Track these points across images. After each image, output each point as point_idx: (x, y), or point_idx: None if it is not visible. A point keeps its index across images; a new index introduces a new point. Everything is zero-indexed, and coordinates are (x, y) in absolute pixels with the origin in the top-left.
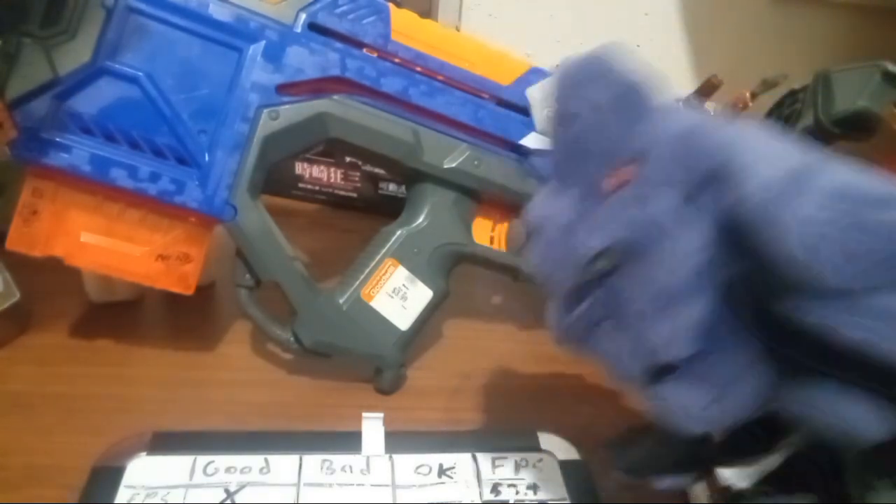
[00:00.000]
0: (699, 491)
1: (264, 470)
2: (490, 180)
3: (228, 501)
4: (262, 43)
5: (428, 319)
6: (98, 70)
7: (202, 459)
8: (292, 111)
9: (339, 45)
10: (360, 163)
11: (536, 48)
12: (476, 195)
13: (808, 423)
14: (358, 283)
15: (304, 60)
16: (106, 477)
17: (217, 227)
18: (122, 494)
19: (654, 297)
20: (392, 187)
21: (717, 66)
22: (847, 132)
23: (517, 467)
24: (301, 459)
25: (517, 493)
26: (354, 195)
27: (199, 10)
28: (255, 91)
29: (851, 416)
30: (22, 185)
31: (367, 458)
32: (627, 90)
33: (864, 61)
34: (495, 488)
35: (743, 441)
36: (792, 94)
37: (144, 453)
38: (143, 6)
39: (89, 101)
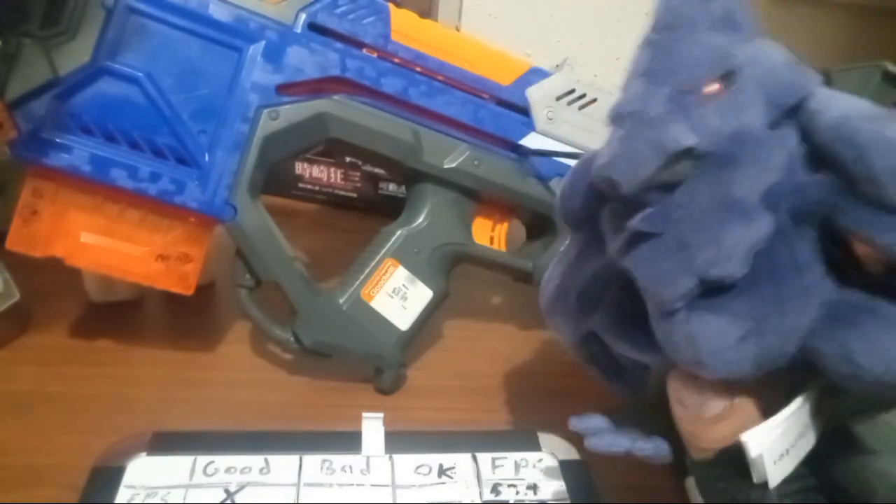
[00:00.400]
0: (698, 490)
1: (264, 470)
2: (490, 180)
3: (228, 501)
4: (262, 43)
5: (428, 319)
6: (98, 70)
7: (202, 459)
8: (292, 111)
9: (339, 45)
10: (360, 163)
11: (536, 48)
12: (476, 195)
13: (841, 365)
14: (358, 283)
15: (304, 60)
16: (106, 477)
17: (217, 227)
18: (122, 494)
19: (724, 207)
20: (392, 187)
21: None
22: None
23: (517, 467)
24: (301, 459)
25: (517, 493)
26: (354, 195)
27: (199, 10)
28: (255, 91)
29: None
30: (22, 185)
31: (367, 458)
32: (741, 8)
33: (864, 61)
34: (495, 488)
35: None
36: None
37: (144, 453)
38: (142, 6)
39: (89, 102)
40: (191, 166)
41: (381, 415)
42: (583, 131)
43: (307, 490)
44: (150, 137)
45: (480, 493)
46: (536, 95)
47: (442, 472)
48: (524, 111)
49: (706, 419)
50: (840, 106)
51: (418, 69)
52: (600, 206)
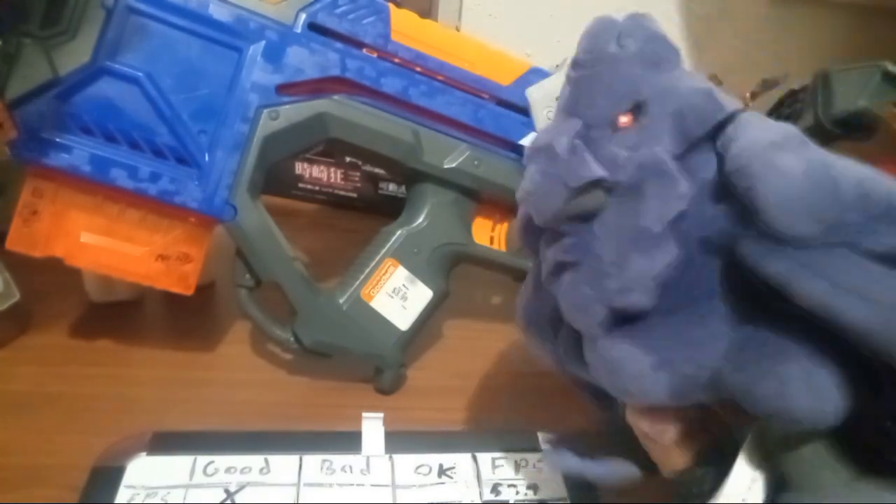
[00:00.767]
0: None
1: (264, 470)
2: (490, 180)
3: (228, 501)
4: (262, 43)
5: (428, 319)
6: (98, 70)
7: (202, 459)
8: (292, 111)
9: (339, 45)
10: (360, 163)
11: (536, 48)
12: (476, 195)
13: (763, 404)
14: (358, 283)
15: (304, 60)
16: (106, 477)
17: (217, 227)
18: (122, 494)
19: (632, 237)
20: (392, 187)
21: (717, 66)
22: (847, 132)
23: (517, 467)
24: (301, 459)
25: (517, 493)
26: (354, 195)
27: (199, 10)
28: (255, 91)
29: (810, 392)
30: (22, 185)
31: (367, 458)
32: (657, 43)
33: (864, 61)
34: (495, 488)
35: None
36: (792, 94)
37: (144, 453)
38: (142, 6)
39: (89, 102)
40: (191, 166)
41: (381, 415)
42: None
43: (307, 490)
44: (150, 137)
45: (480, 493)
46: (536, 95)
47: (442, 472)
48: (524, 111)
49: (665, 445)
50: (750, 134)
51: (418, 69)
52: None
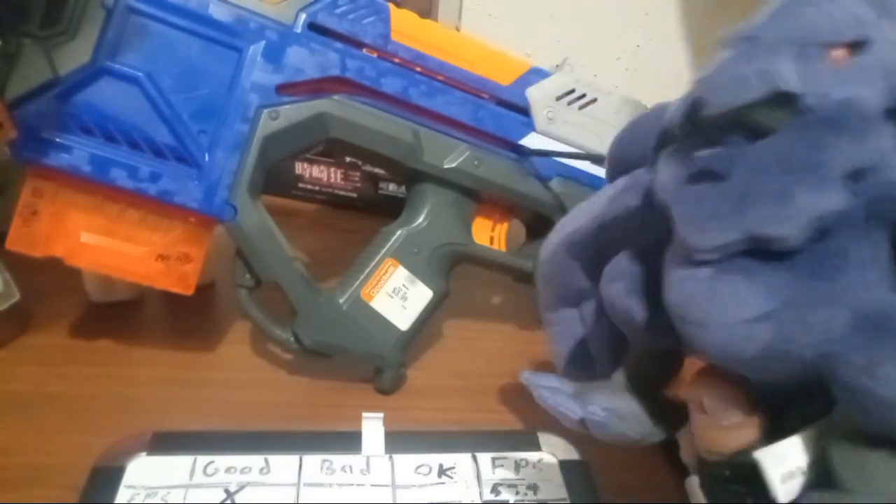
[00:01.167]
0: (698, 490)
1: (264, 470)
2: (490, 180)
3: (228, 501)
4: (262, 43)
5: (428, 319)
6: (98, 70)
7: (202, 459)
8: (292, 111)
9: (339, 45)
10: (360, 163)
11: (536, 48)
12: (476, 195)
13: (859, 377)
14: (358, 283)
15: (304, 60)
16: (106, 477)
17: (217, 227)
18: (122, 494)
19: (806, 168)
20: (392, 187)
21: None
22: None
23: (517, 467)
24: (301, 459)
25: (517, 493)
26: (354, 195)
27: (199, 10)
28: (255, 91)
29: None
30: (22, 185)
31: (367, 458)
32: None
33: None
34: (495, 488)
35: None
36: None
37: (144, 453)
38: (142, 6)
39: (89, 102)
40: (191, 166)
41: (381, 415)
42: (583, 131)
43: (307, 490)
44: (150, 137)
45: (480, 493)
46: (536, 95)
47: (442, 472)
48: (524, 111)
49: (724, 426)
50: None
51: (418, 69)
52: (658, 150)
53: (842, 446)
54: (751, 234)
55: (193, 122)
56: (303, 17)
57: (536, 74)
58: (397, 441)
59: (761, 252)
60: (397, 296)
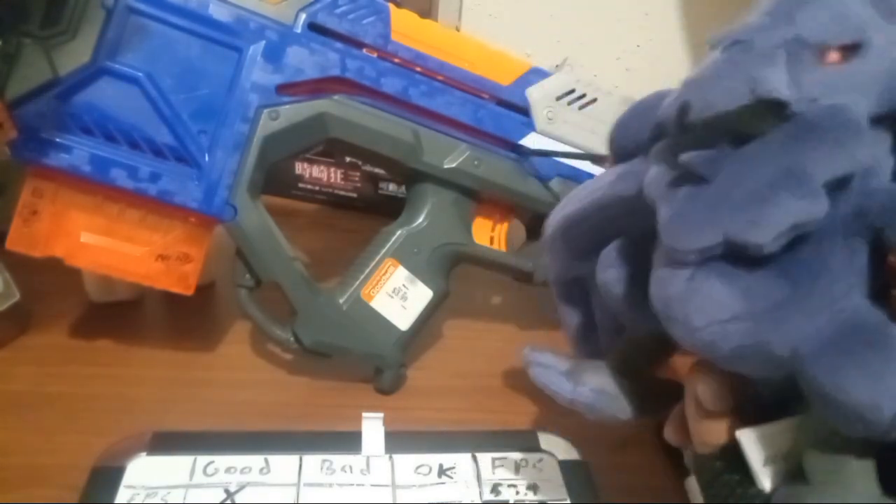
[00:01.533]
0: (698, 490)
1: (264, 470)
2: (490, 180)
3: (228, 501)
4: (262, 43)
5: (428, 319)
6: (98, 70)
7: (202, 459)
8: (292, 111)
9: (339, 45)
10: (360, 163)
11: (536, 48)
12: (476, 195)
13: (828, 382)
14: (358, 283)
15: (304, 60)
16: (106, 477)
17: (217, 227)
18: (122, 494)
19: (787, 175)
20: (392, 187)
21: None
22: None
23: (517, 467)
24: (301, 459)
25: (517, 493)
26: (354, 195)
27: (199, 10)
28: (255, 91)
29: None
30: (22, 185)
31: (367, 458)
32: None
33: None
34: (495, 488)
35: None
36: None
37: (144, 453)
38: (142, 6)
39: (89, 102)
40: (191, 166)
41: (381, 415)
42: (583, 131)
43: (307, 490)
44: (150, 137)
45: (480, 493)
46: (536, 95)
47: (442, 472)
48: (524, 111)
49: (716, 416)
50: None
51: (418, 69)
52: (654, 142)
53: (816, 441)
54: (728, 239)
55: (193, 122)
56: (303, 17)
57: (536, 74)
58: (397, 441)
59: (740, 255)
60: (397, 296)
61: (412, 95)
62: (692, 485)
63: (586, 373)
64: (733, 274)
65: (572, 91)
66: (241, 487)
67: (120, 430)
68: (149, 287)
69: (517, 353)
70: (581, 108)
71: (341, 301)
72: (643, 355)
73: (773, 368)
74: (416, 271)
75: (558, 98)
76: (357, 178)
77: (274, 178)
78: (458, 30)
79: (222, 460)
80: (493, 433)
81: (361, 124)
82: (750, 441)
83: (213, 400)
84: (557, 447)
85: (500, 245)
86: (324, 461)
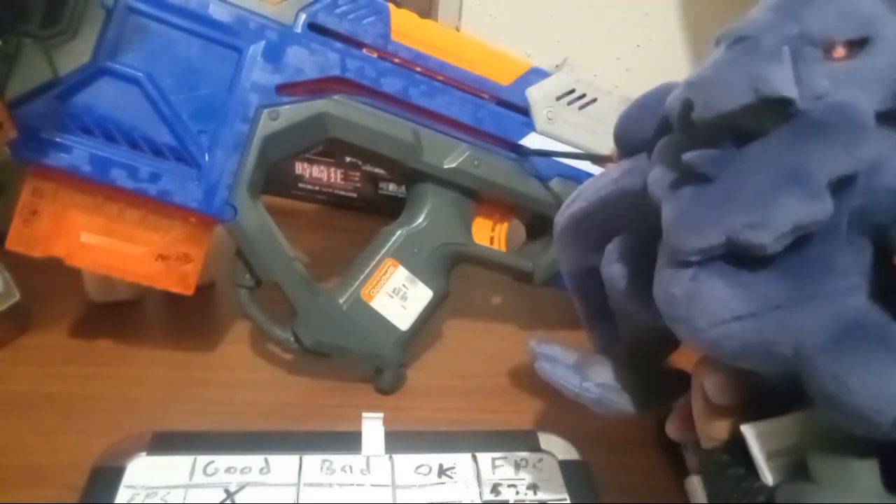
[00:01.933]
0: (699, 489)
1: (264, 470)
2: (490, 180)
3: (228, 501)
4: (262, 43)
5: (428, 319)
6: (98, 70)
7: (202, 459)
8: (292, 111)
9: (339, 45)
10: (360, 163)
11: (536, 48)
12: (476, 195)
13: (830, 382)
14: (358, 283)
15: (304, 60)
16: (106, 477)
17: (217, 227)
18: (122, 494)
19: (791, 175)
20: (392, 187)
21: None
22: None
23: (517, 467)
24: (301, 459)
25: (517, 493)
26: (354, 195)
27: (199, 10)
28: (255, 91)
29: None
30: (22, 185)
31: (367, 458)
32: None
33: None
34: (495, 488)
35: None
36: None
37: (144, 453)
38: (142, 6)
39: (89, 102)
40: (191, 166)
41: (381, 415)
42: (583, 131)
43: (307, 490)
44: (150, 137)
45: (480, 493)
46: (536, 95)
47: (442, 472)
48: (524, 111)
49: (722, 409)
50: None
51: (418, 69)
52: (660, 137)
53: (819, 439)
54: (731, 239)
55: (193, 122)
56: (303, 17)
57: (536, 74)
58: (397, 441)
59: (743, 255)
60: (397, 296)
61: (412, 95)
62: (692, 485)
63: (593, 366)
64: (736, 274)
65: (572, 91)
66: (241, 487)
67: (120, 430)
68: (149, 287)
69: (517, 353)
70: (581, 108)
71: (341, 301)
72: (650, 348)
73: (777, 366)
74: (416, 271)
75: (558, 98)
76: (357, 178)
77: (274, 178)
78: (458, 30)
79: (222, 460)
80: (493, 433)
81: (361, 124)
82: (754, 435)
83: (213, 400)
84: (557, 447)
85: (500, 245)
86: (324, 461)
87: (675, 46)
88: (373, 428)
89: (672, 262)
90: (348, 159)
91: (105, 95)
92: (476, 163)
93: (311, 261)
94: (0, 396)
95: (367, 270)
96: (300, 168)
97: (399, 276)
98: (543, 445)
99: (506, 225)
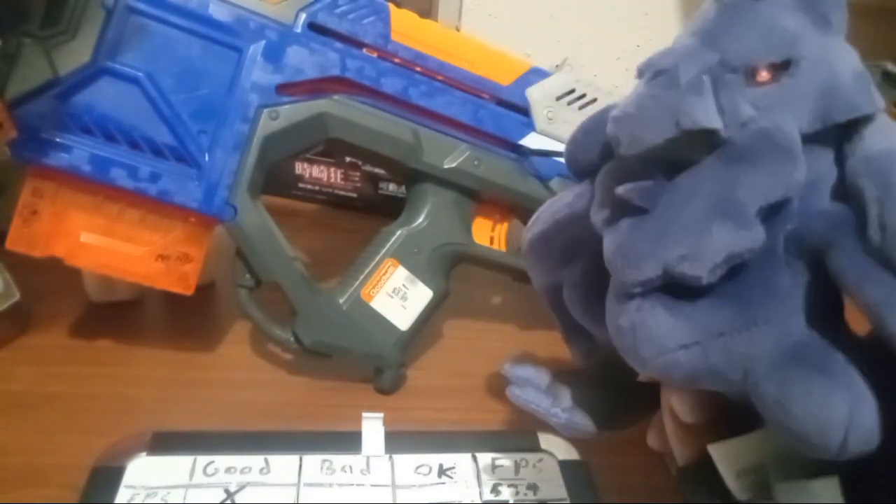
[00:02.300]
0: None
1: (264, 470)
2: (490, 180)
3: (228, 501)
4: (262, 43)
5: (428, 319)
6: (98, 70)
7: (202, 459)
8: (292, 111)
9: (339, 45)
10: (360, 163)
11: (536, 48)
12: (476, 195)
13: (774, 407)
14: (358, 283)
15: (304, 60)
16: (106, 477)
17: (217, 227)
18: (122, 494)
19: (720, 206)
20: (392, 187)
21: None
22: None
23: (517, 467)
24: (301, 459)
25: (517, 493)
26: (354, 195)
27: (199, 10)
28: (255, 91)
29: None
30: (22, 185)
31: (367, 458)
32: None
33: (864, 61)
34: (495, 488)
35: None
36: None
37: (144, 453)
38: (142, 6)
39: (89, 101)
40: (191, 166)
41: (381, 415)
42: None
43: (307, 490)
44: (150, 137)
45: (480, 493)
46: (536, 95)
47: (442, 472)
48: (524, 111)
49: (692, 428)
50: (890, 139)
51: (418, 69)
52: (605, 161)
53: (779, 457)
54: (667, 271)
55: (193, 122)
56: (303, 16)
57: (536, 74)
58: (397, 441)
59: (684, 286)
60: (397, 296)
61: (412, 95)
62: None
63: (564, 386)
64: (679, 304)
65: (572, 91)
66: (241, 487)
67: (120, 430)
68: (149, 287)
69: (517, 353)
70: (581, 108)
71: (341, 301)
72: (619, 366)
73: (729, 389)
74: (416, 271)
75: (558, 98)
76: (357, 178)
77: (274, 178)
78: (458, 30)
79: (222, 460)
80: (493, 433)
81: (361, 124)
82: (721, 455)
83: (213, 400)
84: (557, 447)
85: (500, 245)
86: (324, 461)
87: None
88: (373, 428)
89: (617, 293)
90: (348, 159)
91: (105, 95)
92: (476, 163)
93: (311, 261)
94: (0, 396)
95: (367, 270)
96: (300, 168)
97: (399, 276)
98: (543, 445)
99: (506, 225)
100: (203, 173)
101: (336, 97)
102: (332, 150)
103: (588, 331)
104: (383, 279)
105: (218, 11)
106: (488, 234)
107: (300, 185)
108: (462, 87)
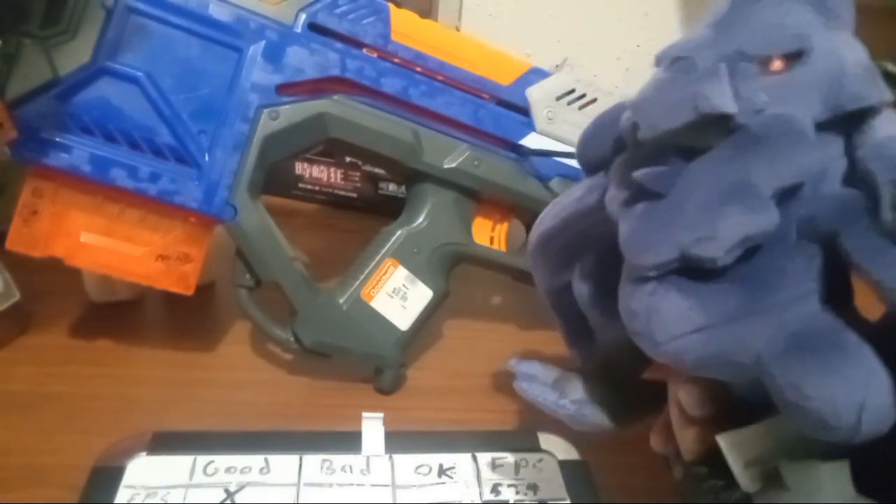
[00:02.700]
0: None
1: (264, 470)
2: (490, 180)
3: (228, 501)
4: (262, 43)
5: (428, 319)
6: (98, 70)
7: (202, 459)
8: (292, 111)
9: (339, 45)
10: (360, 163)
11: (536, 48)
12: (476, 195)
13: (789, 390)
14: (358, 283)
15: (304, 60)
16: (106, 477)
17: (217, 227)
18: (122, 494)
19: (735, 189)
20: (392, 187)
21: None
22: None
23: (517, 467)
24: (301, 459)
25: (517, 493)
26: (354, 195)
27: (199, 10)
28: (255, 91)
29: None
30: (22, 185)
31: (367, 458)
32: None
33: None
34: (495, 488)
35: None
36: None
37: (144, 453)
38: (142, 6)
39: (89, 102)
40: (191, 166)
41: (381, 415)
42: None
43: (307, 490)
44: (150, 137)
45: (480, 493)
46: (536, 95)
47: (442, 472)
48: (524, 111)
49: (697, 418)
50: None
51: (418, 69)
52: (617, 155)
53: (789, 444)
54: (683, 254)
55: (193, 122)
56: (303, 17)
57: (536, 74)
58: (397, 441)
59: (698, 268)
60: (397, 296)
61: (412, 95)
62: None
63: (572, 381)
64: (693, 287)
65: (572, 91)
66: (241, 487)
67: (120, 430)
68: (149, 287)
69: (517, 353)
70: (581, 108)
71: (341, 301)
72: (624, 363)
73: (740, 376)
74: (416, 271)
75: (558, 98)
76: (357, 178)
77: (274, 178)
78: (458, 30)
79: (222, 460)
80: (493, 433)
81: (361, 124)
82: (730, 445)
83: (213, 400)
84: (557, 447)
85: (500, 245)
86: (324, 461)
87: None
88: (373, 428)
89: (631, 278)
90: (348, 159)
91: (105, 95)
92: (476, 163)
93: (311, 261)
94: (0, 396)
95: (367, 270)
96: (300, 168)
97: (399, 276)
98: (543, 445)
99: (506, 225)
100: (203, 173)
101: (336, 97)
102: (332, 150)
103: (589, 333)
104: (383, 279)
105: (218, 11)
106: (488, 234)
107: (300, 185)
108: (462, 87)
